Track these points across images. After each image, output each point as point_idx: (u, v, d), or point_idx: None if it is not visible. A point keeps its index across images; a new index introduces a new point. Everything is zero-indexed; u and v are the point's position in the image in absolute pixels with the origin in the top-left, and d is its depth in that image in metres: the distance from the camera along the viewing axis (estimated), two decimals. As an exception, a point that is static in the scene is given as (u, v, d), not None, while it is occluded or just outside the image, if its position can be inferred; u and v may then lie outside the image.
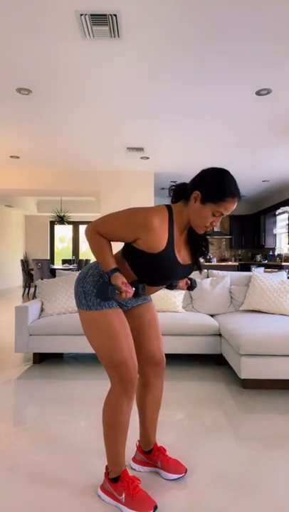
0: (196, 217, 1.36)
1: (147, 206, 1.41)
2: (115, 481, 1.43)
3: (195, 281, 1.65)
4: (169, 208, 1.41)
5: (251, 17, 2.43)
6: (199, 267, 1.53)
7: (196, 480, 1.58)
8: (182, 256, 1.45)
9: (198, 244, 1.49)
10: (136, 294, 1.38)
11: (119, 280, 1.33)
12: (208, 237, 1.51)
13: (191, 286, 1.64)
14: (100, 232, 1.39)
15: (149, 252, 1.35)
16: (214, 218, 1.35)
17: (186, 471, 1.61)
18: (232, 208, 1.34)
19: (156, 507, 1.38)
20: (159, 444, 1.78)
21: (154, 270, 1.38)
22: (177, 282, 1.58)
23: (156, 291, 1.57)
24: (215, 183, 1.31)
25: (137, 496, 1.39)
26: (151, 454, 1.65)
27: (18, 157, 5.83)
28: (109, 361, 1.39)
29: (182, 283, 1.62)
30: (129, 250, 1.43)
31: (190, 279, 1.65)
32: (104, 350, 1.40)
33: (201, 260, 1.53)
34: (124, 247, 1.48)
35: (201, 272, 1.57)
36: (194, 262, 1.50)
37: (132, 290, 1.35)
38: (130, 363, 1.39)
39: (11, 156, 5.79)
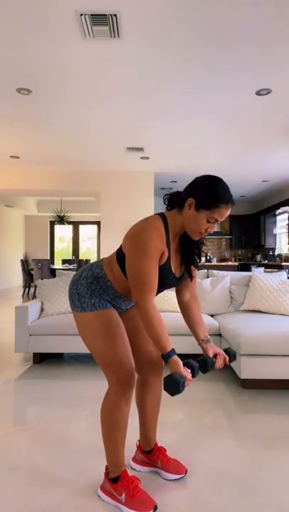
0: (191, 224, 1.37)
1: (141, 224, 1.37)
2: (115, 481, 1.44)
3: (235, 352, 1.48)
4: (163, 217, 1.41)
5: (251, 17, 2.43)
6: (190, 275, 1.53)
7: (196, 480, 1.58)
8: (174, 264, 1.45)
9: (190, 252, 1.49)
10: (193, 376, 1.31)
11: (181, 367, 1.28)
12: (208, 237, 1.50)
13: (230, 360, 1.47)
14: (146, 293, 1.31)
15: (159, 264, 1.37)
16: (209, 225, 1.37)
17: (186, 471, 1.61)
18: (226, 214, 1.36)
19: (156, 507, 1.38)
20: (159, 444, 1.77)
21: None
22: (213, 364, 1.41)
23: None
24: (209, 190, 1.33)
25: (137, 495, 1.39)
26: (151, 454, 1.65)
27: (18, 157, 5.83)
28: (106, 361, 1.40)
29: (219, 362, 1.44)
30: (123, 258, 1.42)
31: (228, 352, 1.48)
32: (100, 351, 1.41)
33: (192, 268, 1.52)
34: (117, 253, 1.47)
35: (191, 280, 1.56)
36: (185, 270, 1.49)
37: (190, 374, 1.29)
38: (126, 363, 1.40)
39: (11, 156, 5.79)
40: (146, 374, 1.61)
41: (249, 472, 1.64)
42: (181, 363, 1.30)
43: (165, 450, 1.65)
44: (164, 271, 1.39)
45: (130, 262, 1.35)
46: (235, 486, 1.55)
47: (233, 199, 1.36)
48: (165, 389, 1.23)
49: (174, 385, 1.21)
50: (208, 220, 1.35)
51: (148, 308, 1.31)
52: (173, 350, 1.31)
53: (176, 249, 1.47)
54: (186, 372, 1.27)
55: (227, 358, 1.48)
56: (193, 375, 1.31)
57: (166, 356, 1.29)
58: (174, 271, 1.44)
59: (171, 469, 1.59)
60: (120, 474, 1.44)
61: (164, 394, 2.55)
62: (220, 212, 1.34)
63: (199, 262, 1.52)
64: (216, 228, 1.44)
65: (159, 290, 1.46)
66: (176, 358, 1.30)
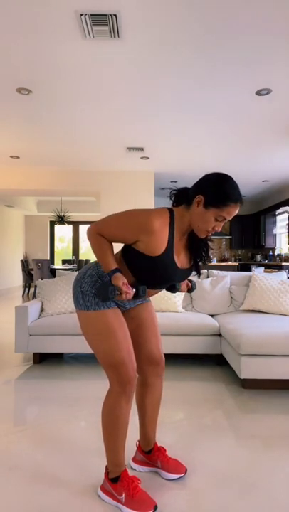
0: (199, 222, 1.37)
1: (149, 208, 1.39)
2: (115, 481, 1.44)
3: (195, 283, 1.68)
4: (170, 211, 1.41)
5: (251, 17, 2.43)
6: (198, 271, 1.53)
7: (196, 480, 1.58)
8: (181, 260, 1.45)
9: (198, 249, 1.49)
10: (136, 296, 1.38)
11: (120, 281, 1.32)
12: (210, 240, 1.53)
13: (191, 289, 1.67)
14: (101, 233, 1.40)
15: (147, 254, 1.36)
16: (216, 223, 1.37)
17: (185, 471, 1.61)
18: (234, 212, 1.35)
19: (156, 507, 1.38)
20: (159, 444, 1.78)
21: (151, 273, 1.40)
22: (179, 286, 1.58)
23: (155, 294, 1.57)
24: (218, 188, 1.32)
25: (137, 495, 1.39)
26: (151, 454, 1.65)
27: (18, 157, 5.83)
28: (108, 361, 1.40)
29: (183, 285, 1.64)
30: (128, 251, 1.44)
31: (190, 281, 1.67)
32: (103, 350, 1.41)
33: (200, 264, 1.54)
34: (123, 248, 1.48)
35: (199, 276, 1.59)
36: (193, 266, 1.51)
37: (132, 291, 1.33)
38: (128, 363, 1.40)
39: (11, 156, 5.79)
40: (147, 374, 1.61)
41: (249, 472, 1.64)
42: (122, 278, 1.33)
43: (165, 450, 1.65)
44: (163, 263, 1.37)
45: (112, 216, 1.40)
46: (236, 485, 1.55)
47: (242, 198, 1.36)
48: (96, 294, 1.33)
49: (104, 290, 1.29)
50: (217, 219, 1.35)
51: (95, 235, 1.40)
52: (117, 269, 1.35)
53: (184, 246, 1.47)
54: (127, 288, 1.32)
55: (190, 284, 1.66)
56: (137, 295, 1.37)
57: (110, 274, 1.34)
58: (180, 266, 1.44)
59: (171, 469, 1.59)
60: (120, 474, 1.44)
61: (165, 394, 2.55)
62: (228, 210, 1.33)
63: (206, 259, 1.53)
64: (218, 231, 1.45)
65: (164, 285, 1.46)
66: (119, 274, 1.34)
